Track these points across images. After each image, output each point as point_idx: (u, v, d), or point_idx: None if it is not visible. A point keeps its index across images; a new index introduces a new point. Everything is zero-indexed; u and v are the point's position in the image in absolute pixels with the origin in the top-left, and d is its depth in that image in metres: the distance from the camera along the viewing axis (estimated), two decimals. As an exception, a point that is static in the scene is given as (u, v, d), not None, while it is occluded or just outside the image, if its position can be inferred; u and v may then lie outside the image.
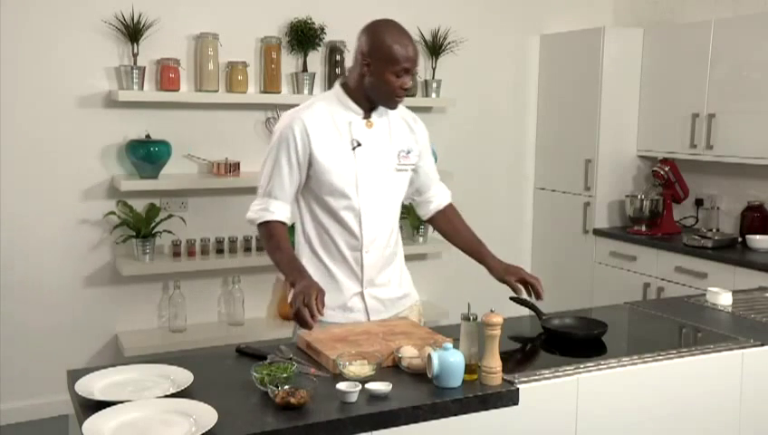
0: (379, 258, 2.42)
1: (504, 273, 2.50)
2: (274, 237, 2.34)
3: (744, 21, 4.08)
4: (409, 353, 1.95)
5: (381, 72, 2.27)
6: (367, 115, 2.37)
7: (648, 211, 4.40)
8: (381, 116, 2.40)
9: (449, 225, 2.64)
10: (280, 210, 2.35)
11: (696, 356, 2.16)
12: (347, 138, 2.34)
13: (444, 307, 4.38)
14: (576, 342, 2.26)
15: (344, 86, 2.39)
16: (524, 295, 2.46)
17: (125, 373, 1.89)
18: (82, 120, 3.80)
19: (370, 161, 2.36)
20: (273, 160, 2.34)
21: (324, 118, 2.33)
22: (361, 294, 2.41)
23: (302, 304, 2.09)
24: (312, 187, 2.36)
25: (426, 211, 2.65)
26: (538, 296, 2.45)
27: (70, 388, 1.83)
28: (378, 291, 2.44)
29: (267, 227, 2.36)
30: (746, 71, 4.00)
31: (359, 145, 2.34)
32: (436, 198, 2.63)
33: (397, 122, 2.45)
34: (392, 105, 2.36)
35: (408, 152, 2.45)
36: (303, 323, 2.10)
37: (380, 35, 2.29)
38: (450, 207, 2.66)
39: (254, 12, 4.08)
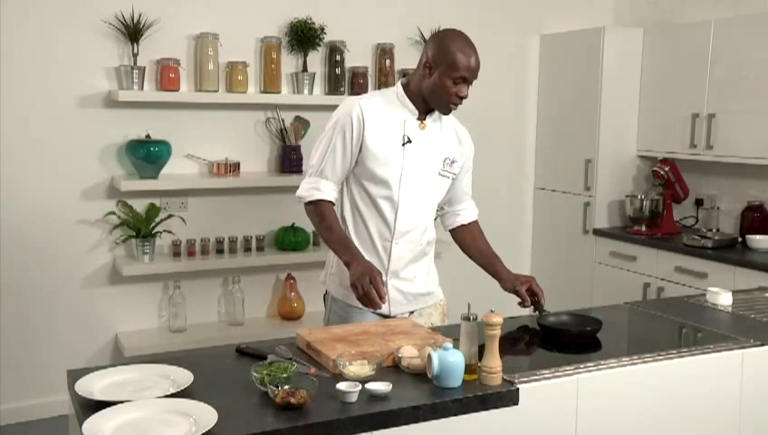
0: (407, 253, 2.51)
1: (515, 281, 2.58)
2: (326, 218, 2.44)
3: (744, 21, 4.08)
4: (409, 353, 1.95)
5: (440, 77, 2.36)
6: (421, 117, 2.47)
7: (648, 211, 4.40)
8: (435, 121, 2.50)
9: (472, 240, 2.71)
10: (329, 190, 2.45)
11: (696, 356, 2.16)
12: (399, 133, 2.43)
13: (444, 307, 4.38)
14: (573, 339, 2.27)
15: (405, 86, 2.48)
16: (528, 305, 2.54)
17: (125, 373, 1.89)
18: (82, 120, 3.80)
19: (417, 160, 2.45)
20: (328, 142, 2.43)
21: (381, 110, 2.43)
22: (385, 284, 2.45)
23: (369, 285, 2.24)
24: (356, 172, 2.45)
25: (451, 222, 2.74)
26: (539, 308, 2.49)
27: (70, 388, 1.83)
28: (402, 284, 2.52)
29: (317, 207, 2.45)
30: (746, 71, 4.00)
31: (409, 142, 2.43)
32: (464, 213, 2.72)
33: (448, 131, 2.55)
34: (446, 111, 2.45)
35: (453, 162, 2.55)
36: (371, 304, 2.27)
37: (446, 42, 2.39)
38: (475, 224, 2.74)
39: (254, 12, 4.08)
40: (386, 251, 2.48)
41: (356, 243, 2.48)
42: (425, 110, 2.47)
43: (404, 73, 4.17)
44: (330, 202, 2.46)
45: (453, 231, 2.74)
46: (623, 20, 5.05)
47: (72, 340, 3.88)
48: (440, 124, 2.52)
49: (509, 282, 2.60)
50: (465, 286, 4.56)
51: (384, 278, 2.46)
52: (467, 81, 2.39)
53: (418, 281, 2.57)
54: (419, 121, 2.47)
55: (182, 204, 4.04)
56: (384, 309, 2.47)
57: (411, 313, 2.56)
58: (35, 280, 3.80)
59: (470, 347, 1.88)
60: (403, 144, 2.43)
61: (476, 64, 2.40)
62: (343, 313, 2.51)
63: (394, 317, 2.49)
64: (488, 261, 2.68)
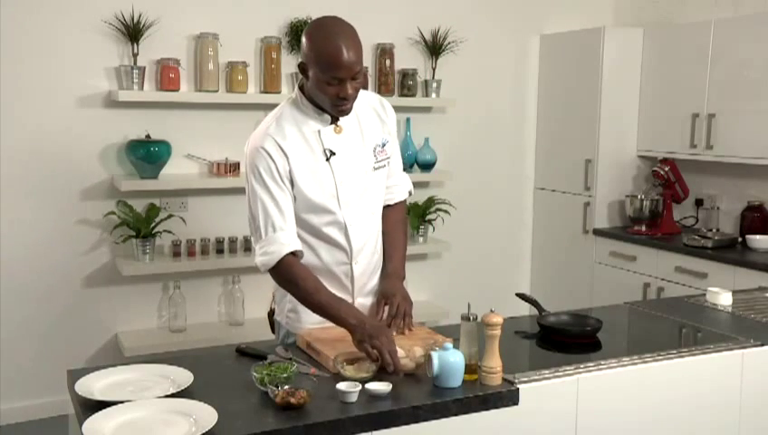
0: (368, 265, 2.30)
1: (382, 293, 2.26)
2: (308, 281, 2.10)
3: (743, 21, 4.08)
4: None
5: (316, 80, 2.07)
6: (334, 120, 2.18)
7: (647, 211, 4.40)
8: (350, 116, 2.20)
9: (386, 221, 2.35)
10: (289, 239, 2.10)
11: (696, 356, 2.16)
12: (319, 148, 2.16)
13: (444, 307, 4.38)
14: (573, 339, 2.27)
15: (302, 89, 2.19)
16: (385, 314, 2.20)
17: (125, 373, 1.89)
18: (82, 120, 3.80)
19: (347, 168, 2.19)
20: (257, 191, 2.11)
21: (292, 131, 2.15)
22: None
23: (390, 344, 1.94)
24: (294, 208, 2.16)
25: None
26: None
27: (70, 388, 1.83)
28: (368, 300, 2.31)
29: (288, 269, 2.10)
30: (746, 71, 4.00)
31: (333, 154, 2.17)
32: (389, 192, 2.37)
33: (367, 116, 2.27)
34: (336, 113, 2.14)
35: (384, 145, 2.28)
36: (396, 369, 1.92)
37: (314, 38, 2.06)
38: (399, 205, 2.40)
39: (254, 12, 4.08)
40: (347, 275, 2.24)
41: None
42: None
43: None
44: (295, 255, 2.11)
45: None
46: (623, 20, 5.04)
47: (72, 340, 3.88)
48: (356, 115, 2.22)
49: (381, 288, 2.29)
50: (465, 286, 4.58)
51: (351, 300, 2.24)
52: (344, 79, 2.04)
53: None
54: (334, 126, 2.18)
55: (182, 204, 4.04)
56: None
57: None
58: (35, 280, 3.80)
59: (470, 347, 1.88)
60: (327, 159, 2.16)
61: (348, 59, 2.02)
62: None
63: None
64: (387, 251, 2.34)
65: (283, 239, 2.09)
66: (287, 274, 2.11)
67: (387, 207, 2.37)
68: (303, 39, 2.09)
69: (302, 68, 2.12)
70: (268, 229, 2.10)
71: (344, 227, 2.21)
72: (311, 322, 2.21)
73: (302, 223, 2.18)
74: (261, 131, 2.18)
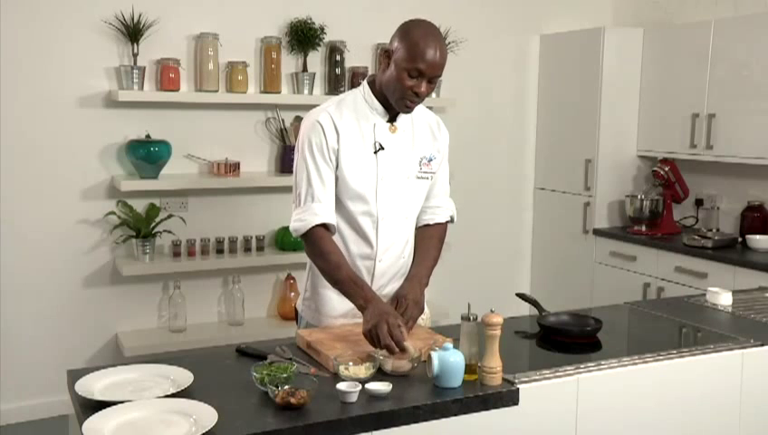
0: (391, 268, 2.33)
1: (396, 292, 2.26)
2: (331, 256, 2.17)
3: (744, 21, 4.08)
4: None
5: (397, 68, 2.13)
6: (392, 119, 2.27)
7: (648, 211, 4.40)
8: (406, 121, 2.30)
9: (420, 240, 2.40)
10: (325, 211, 2.19)
11: (696, 356, 2.16)
12: (370, 140, 2.23)
13: (444, 307, 4.38)
14: (573, 339, 2.27)
15: (371, 84, 2.27)
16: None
17: (125, 373, 1.89)
18: (82, 120, 3.80)
19: (392, 167, 2.26)
20: (306, 161, 2.20)
21: (350, 116, 2.23)
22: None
23: (387, 335, 1.96)
24: (335, 190, 2.26)
25: (419, 220, 2.44)
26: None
27: (70, 388, 1.83)
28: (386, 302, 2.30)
29: (317, 241, 2.18)
30: (746, 71, 4.00)
31: (381, 149, 2.24)
32: (431, 213, 2.42)
33: (421, 128, 2.35)
34: (401, 106, 2.20)
35: (431, 160, 2.34)
36: (391, 353, 1.96)
37: (409, 31, 2.16)
38: (437, 227, 2.43)
39: (254, 12, 4.08)
40: (369, 271, 2.29)
41: None
42: (394, 111, 2.26)
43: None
44: (327, 229, 2.19)
45: (418, 228, 2.44)
46: (623, 20, 5.04)
47: (71, 340, 3.88)
48: (411, 123, 2.32)
49: (400, 287, 2.28)
50: (465, 286, 4.57)
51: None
52: (425, 75, 2.12)
53: None
54: (390, 124, 2.25)
55: (182, 204, 4.04)
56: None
57: None
58: (35, 280, 3.80)
59: (470, 347, 1.88)
60: (375, 152, 2.23)
61: (436, 59, 2.12)
62: None
63: None
64: (416, 258, 2.37)
65: (318, 210, 2.18)
66: (315, 245, 2.20)
67: (426, 226, 2.42)
68: (399, 31, 2.19)
69: (387, 54, 2.18)
70: (307, 198, 2.20)
71: (376, 220, 2.26)
72: (324, 313, 2.33)
73: (341, 209, 2.25)
74: (320, 108, 2.26)
